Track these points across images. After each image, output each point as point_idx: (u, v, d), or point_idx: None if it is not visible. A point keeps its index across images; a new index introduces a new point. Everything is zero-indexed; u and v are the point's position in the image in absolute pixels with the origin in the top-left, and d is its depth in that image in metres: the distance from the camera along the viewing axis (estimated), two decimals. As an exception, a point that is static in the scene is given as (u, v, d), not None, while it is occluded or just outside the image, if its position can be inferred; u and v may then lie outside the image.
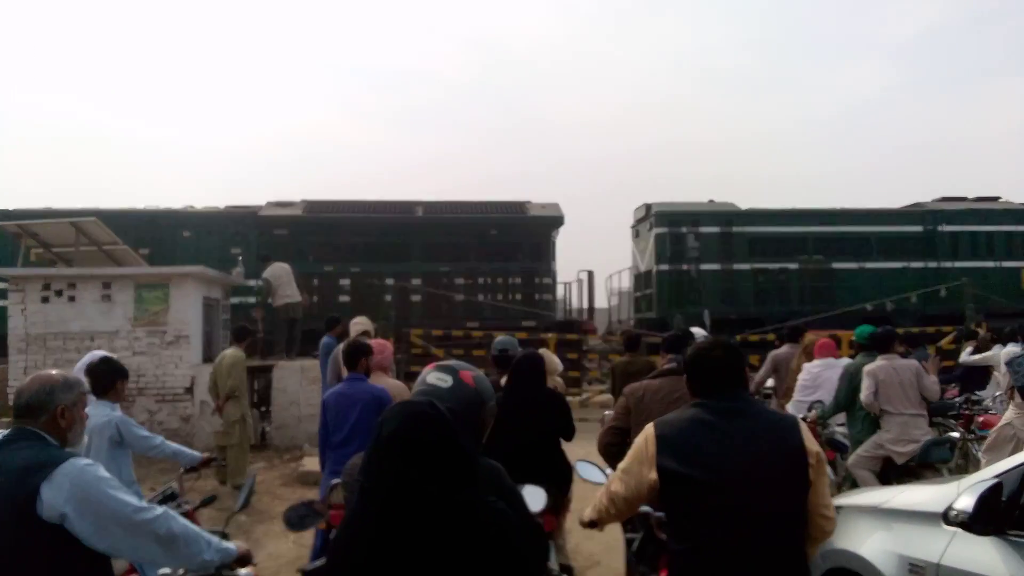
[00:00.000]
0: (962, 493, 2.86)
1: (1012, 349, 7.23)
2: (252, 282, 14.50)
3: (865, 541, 3.28)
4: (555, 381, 5.72)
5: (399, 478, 1.64)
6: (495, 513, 1.74)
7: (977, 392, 8.88)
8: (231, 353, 8.42)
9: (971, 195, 19.57)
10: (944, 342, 14.84)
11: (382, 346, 5.79)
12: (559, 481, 4.43)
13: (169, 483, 4.07)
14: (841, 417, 6.65)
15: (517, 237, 18.01)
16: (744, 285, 18.07)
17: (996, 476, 2.81)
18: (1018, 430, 6.48)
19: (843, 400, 6.36)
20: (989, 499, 2.68)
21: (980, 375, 9.74)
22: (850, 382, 6.30)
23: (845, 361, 7.10)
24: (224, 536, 2.89)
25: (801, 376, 7.13)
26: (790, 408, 7.05)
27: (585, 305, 17.77)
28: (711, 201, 18.84)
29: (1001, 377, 7.88)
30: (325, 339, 9.32)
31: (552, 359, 6.07)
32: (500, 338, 5.74)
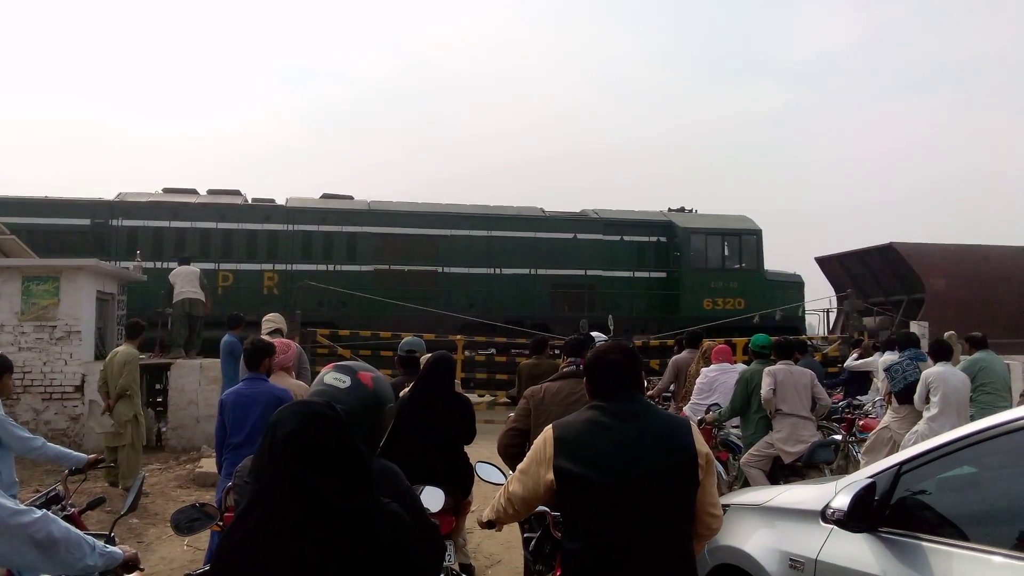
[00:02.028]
0: (839, 492, 3.03)
1: (890, 357, 7.69)
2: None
3: (750, 538, 3.43)
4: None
5: (291, 481, 1.59)
6: (388, 516, 1.72)
7: (859, 397, 9.43)
8: (124, 350, 8.08)
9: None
10: (830, 349, 15.70)
11: (286, 345, 5.67)
12: (461, 482, 4.45)
13: (54, 485, 3.87)
14: (736, 420, 6.94)
15: None
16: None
17: (870, 476, 2.98)
18: (895, 433, 6.92)
19: (739, 404, 6.65)
20: (863, 498, 2.85)
21: (862, 381, 10.33)
22: (746, 387, 6.60)
23: (740, 367, 7.43)
24: (110, 540, 2.79)
25: (698, 380, 7.41)
26: (687, 410, 7.31)
27: None
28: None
29: (880, 383, 8.37)
30: (227, 337, 9.03)
31: None
32: (407, 339, 5.72)
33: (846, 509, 2.86)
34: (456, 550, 4.44)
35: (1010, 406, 6.40)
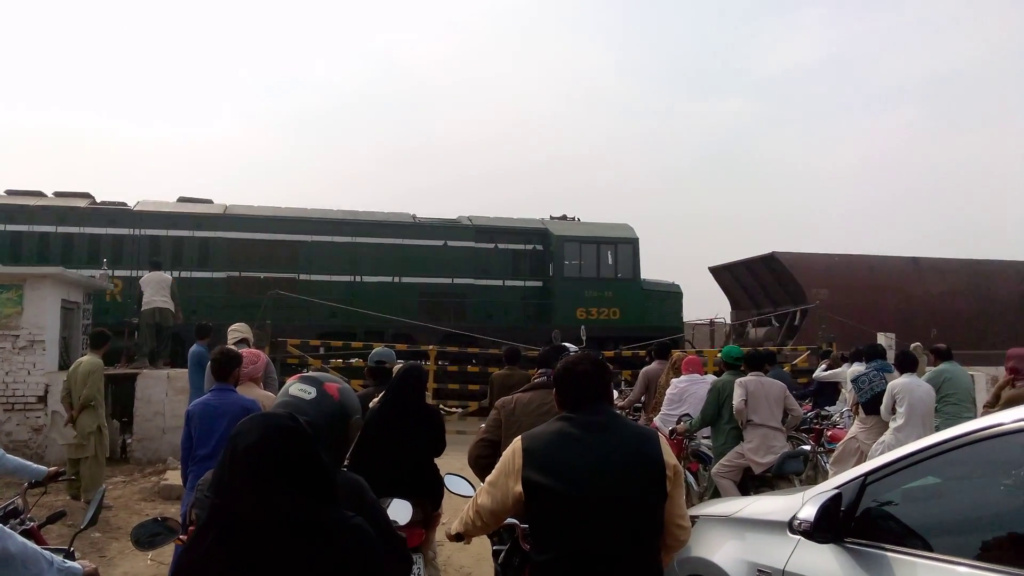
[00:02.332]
0: (805, 503, 3.05)
1: (857, 368, 7.78)
2: None
3: (719, 549, 3.44)
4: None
5: (252, 495, 1.57)
6: (351, 529, 1.69)
7: (827, 408, 9.53)
8: (88, 360, 7.94)
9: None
10: (799, 360, 15.88)
11: (255, 356, 5.61)
12: (431, 495, 4.42)
13: (12, 498, 3.78)
14: (707, 431, 6.98)
15: None
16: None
17: (836, 487, 3.00)
18: (862, 443, 7.00)
19: (710, 414, 6.69)
20: (829, 509, 2.87)
21: (831, 392, 10.45)
22: (717, 397, 6.65)
23: (711, 378, 7.48)
24: (70, 555, 2.73)
25: (668, 391, 7.45)
26: (658, 421, 7.35)
27: None
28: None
29: (848, 394, 8.48)
30: (194, 347, 8.92)
31: None
32: (377, 349, 5.68)
33: (812, 520, 2.88)
34: (426, 563, 4.40)
35: (974, 416, 6.51)
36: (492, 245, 17.67)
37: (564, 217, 18.96)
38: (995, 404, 6.33)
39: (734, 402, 6.42)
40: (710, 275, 22.59)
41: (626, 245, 18.01)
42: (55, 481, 4.32)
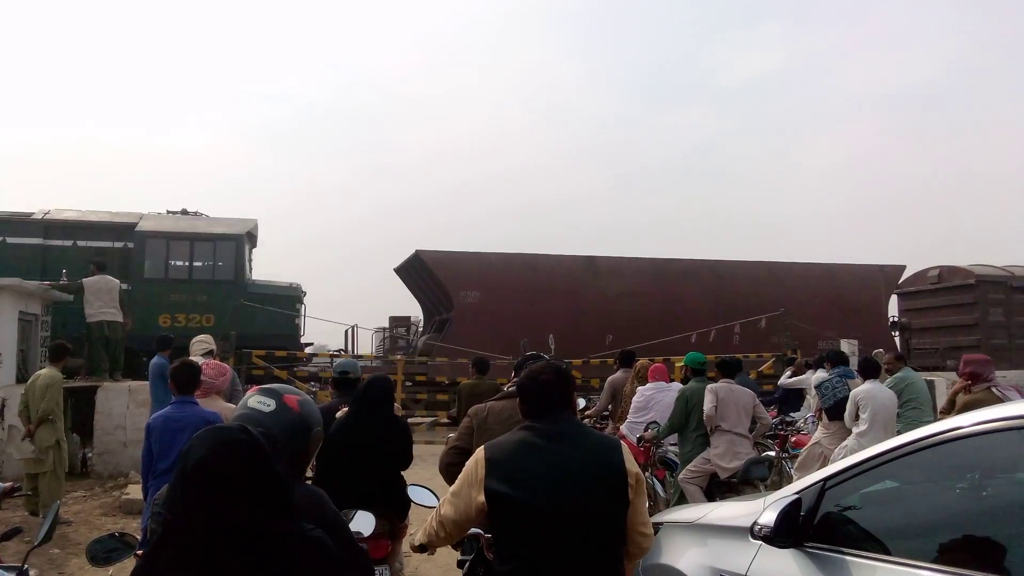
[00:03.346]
0: (766, 508, 3.08)
1: (821, 374, 7.90)
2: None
3: (683, 555, 3.46)
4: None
5: (204, 510, 1.55)
6: (309, 541, 1.68)
7: (792, 414, 9.65)
8: (47, 373, 7.77)
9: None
10: (765, 367, 16.07)
11: (222, 369, 5.54)
12: (398, 506, 4.39)
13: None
14: (673, 438, 7.03)
15: None
16: None
17: (796, 492, 3.04)
18: (825, 448, 7.10)
19: (677, 421, 6.74)
20: (789, 514, 2.90)
21: (796, 398, 10.58)
22: (685, 405, 6.70)
23: (677, 385, 7.54)
24: (23, 572, 2.67)
25: (635, 398, 7.48)
26: (624, 429, 7.38)
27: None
28: None
29: (812, 400, 8.60)
30: (156, 359, 8.77)
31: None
32: (340, 360, 5.64)
33: (772, 525, 2.91)
34: (393, 574, 4.36)
35: (933, 421, 6.63)
36: (71, 243, 15.33)
37: (185, 212, 16.71)
38: (951, 409, 6.45)
39: (704, 408, 6.46)
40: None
41: (227, 243, 15.66)
42: (11, 497, 4.23)
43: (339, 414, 4.57)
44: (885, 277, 19.78)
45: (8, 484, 4.19)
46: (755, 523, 3.06)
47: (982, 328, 18.61)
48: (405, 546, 4.75)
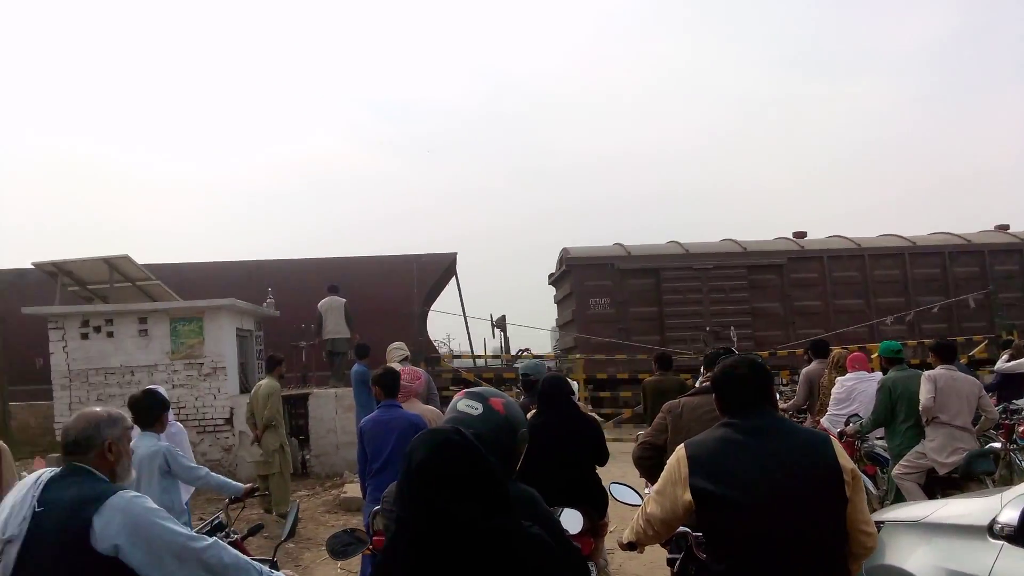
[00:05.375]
0: (1006, 505, 2.84)
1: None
2: None
3: (910, 556, 3.25)
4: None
5: (429, 507, 1.66)
6: (530, 538, 1.74)
7: (1015, 401, 8.72)
8: (266, 383, 8.55)
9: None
10: (977, 351, 14.64)
11: (415, 374, 5.86)
12: (596, 504, 4.43)
13: (217, 513, 4.15)
14: (880, 431, 6.58)
15: None
16: None
17: (1039, 487, 2.78)
18: (1063, 438, 6.36)
19: (881, 414, 6.29)
20: (1034, 512, 2.66)
21: (1017, 383, 9.57)
22: (889, 396, 6.24)
23: (878, 375, 7.02)
24: (274, 565, 2.95)
25: (835, 390, 7.06)
26: (825, 422, 6.99)
27: None
28: None
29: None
30: (356, 367, 9.44)
31: None
32: (526, 363, 5.79)
33: (1016, 523, 2.67)
34: (598, 571, 4.42)
35: None
36: None
37: None
38: None
39: (921, 398, 5.91)
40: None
41: None
42: (251, 496, 4.70)
43: (530, 415, 4.69)
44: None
45: (249, 485, 4.67)
46: (994, 521, 2.82)
47: None
48: (609, 542, 4.80)
